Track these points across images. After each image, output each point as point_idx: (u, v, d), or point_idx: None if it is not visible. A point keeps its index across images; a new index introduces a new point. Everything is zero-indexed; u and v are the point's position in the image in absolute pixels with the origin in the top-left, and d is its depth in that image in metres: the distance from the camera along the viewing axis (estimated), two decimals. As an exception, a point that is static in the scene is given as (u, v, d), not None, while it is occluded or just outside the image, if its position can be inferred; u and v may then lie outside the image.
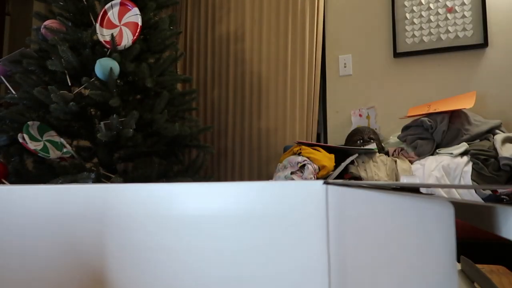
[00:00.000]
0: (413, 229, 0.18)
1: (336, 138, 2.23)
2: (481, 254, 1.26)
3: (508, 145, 1.46)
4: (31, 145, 1.34)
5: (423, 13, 2.04)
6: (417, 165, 1.53)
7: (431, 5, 2.03)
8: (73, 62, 1.40)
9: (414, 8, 2.06)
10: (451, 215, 0.14)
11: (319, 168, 1.78)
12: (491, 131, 1.57)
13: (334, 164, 1.75)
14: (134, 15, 1.50)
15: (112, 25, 1.51)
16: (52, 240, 0.36)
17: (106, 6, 1.51)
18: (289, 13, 2.32)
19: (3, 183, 1.38)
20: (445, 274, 0.14)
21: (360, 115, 2.18)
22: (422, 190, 1.44)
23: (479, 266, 0.53)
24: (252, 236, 0.31)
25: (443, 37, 1.99)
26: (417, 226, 0.17)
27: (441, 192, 1.41)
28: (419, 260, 0.17)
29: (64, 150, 1.43)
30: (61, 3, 1.55)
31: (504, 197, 1.34)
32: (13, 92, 1.50)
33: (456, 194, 1.40)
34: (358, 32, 2.19)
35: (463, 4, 1.97)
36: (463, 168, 1.41)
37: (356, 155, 1.65)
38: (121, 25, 1.51)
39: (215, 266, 0.32)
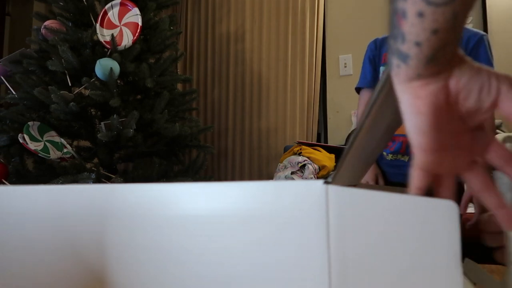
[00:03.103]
0: (415, 228, 0.18)
1: (337, 138, 2.23)
2: (481, 254, 1.26)
3: (508, 145, 1.46)
4: (32, 145, 1.34)
5: (423, 13, 2.04)
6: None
7: (431, 5, 2.03)
8: (73, 62, 1.40)
9: (414, 8, 2.06)
10: (455, 215, 0.13)
11: (319, 168, 1.78)
12: (492, 131, 1.57)
13: (335, 164, 1.75)
14: (134, 15, 1.50)
15: (112, 25, 1.50)
16: (52, 240, 0.36)
17: (106, 6, 1.51)
18: (289, 13, 2.32)
19: (4, 183, 1.38)
20: (449, 275, 0.14)
21: (361, 115, 2.18)
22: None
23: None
24: (252, 236, 0.31)
25: (443, 37, 1.99)
26: (420, 225, 0.17)
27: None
28: (422, 260, 0.16)
29: (65, 150, 1.43)
30: (61, 4, 1.55)
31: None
32: (13, 92, 1.50)
33: (457, 194, 1.40)
34: (358, 32, 2.19)
35: (463, 3, 1.97)
36: (463, 168, 1.41)
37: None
38: (121, 25, 1.51)
39: (215, 266, 0.32)
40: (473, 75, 0.26)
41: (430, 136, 0.26)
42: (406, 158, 1.05)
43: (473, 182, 0.27)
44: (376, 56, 1.15)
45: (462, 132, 0.27)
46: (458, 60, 0.27)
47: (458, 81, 0.26)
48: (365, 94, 1.16)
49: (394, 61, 0.27)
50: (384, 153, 1.09)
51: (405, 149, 1.05)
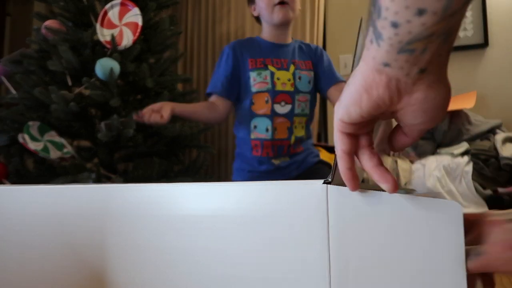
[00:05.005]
0: (417, 229, 0.18)
1: (337, 138, 2.23)
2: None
3: (508, 145, 1.46)
4: (32, 145, 1.34)
5: (424, 13, 2.04)
6: (417, 165, 1.53)
7: (432, 5, 2.03)
8: (74, 62, 1.40)
9: (415, 8, 2.06)
10: (459, 215, 0.13)
11: (319, 168, 1.78)
12: (492, 131, 1.57)
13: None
14: (135, 15, 1.49)
15: (112, 25, 1.50)
16: (52, 240, 0.36)
17: (107, 6, 1.51)
18: (290, 13, 2.32)
19: (4, 183, 1.38)
20: (452, 276, 0.14)
21: (361, 115, 2.18)
22: (423, 190, 1.44)
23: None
24: (253, 236, 0.31)
25: (444, 37, 1.99)
26: (422, 226, 0.16)
27: (442, 192, 1.40)
28: (424, 260, 0.16)
29: (65, 150, 1.43)
30: (62, 3, 1.55)
31: (506, 197, 1.34)
32: (14, 92, 1.50)
33: (457, 194, 1.40)
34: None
35: (463, 4, 1.97)
36: (463, 168, 1.41)
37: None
38: (121, 25, 1.51)
39: (215, 266, 0.32)
40: (433, 108, 0.23)
41: (354, 121, 0.25)
42: (287, 159, 1.09)
43: (365, 140, 0.28)
44: (239, 59, 1.12)
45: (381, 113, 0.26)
46: (437, 75, 0.22)
47: (417, 101, 0.23)
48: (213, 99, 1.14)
49: (369, 33, 0.23)
50: (274, 161, 1.10)
51: (286, 150, 1.08)
